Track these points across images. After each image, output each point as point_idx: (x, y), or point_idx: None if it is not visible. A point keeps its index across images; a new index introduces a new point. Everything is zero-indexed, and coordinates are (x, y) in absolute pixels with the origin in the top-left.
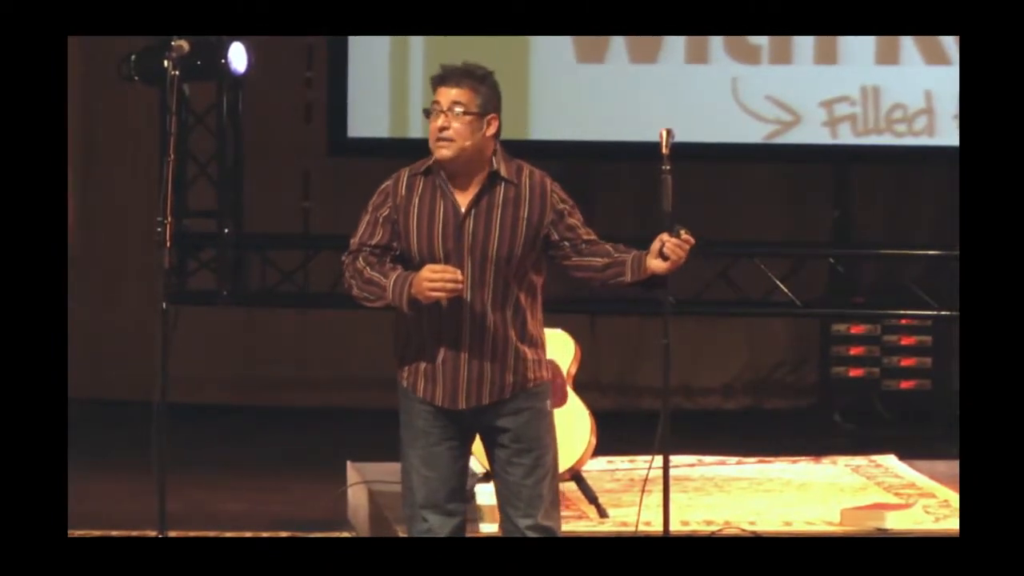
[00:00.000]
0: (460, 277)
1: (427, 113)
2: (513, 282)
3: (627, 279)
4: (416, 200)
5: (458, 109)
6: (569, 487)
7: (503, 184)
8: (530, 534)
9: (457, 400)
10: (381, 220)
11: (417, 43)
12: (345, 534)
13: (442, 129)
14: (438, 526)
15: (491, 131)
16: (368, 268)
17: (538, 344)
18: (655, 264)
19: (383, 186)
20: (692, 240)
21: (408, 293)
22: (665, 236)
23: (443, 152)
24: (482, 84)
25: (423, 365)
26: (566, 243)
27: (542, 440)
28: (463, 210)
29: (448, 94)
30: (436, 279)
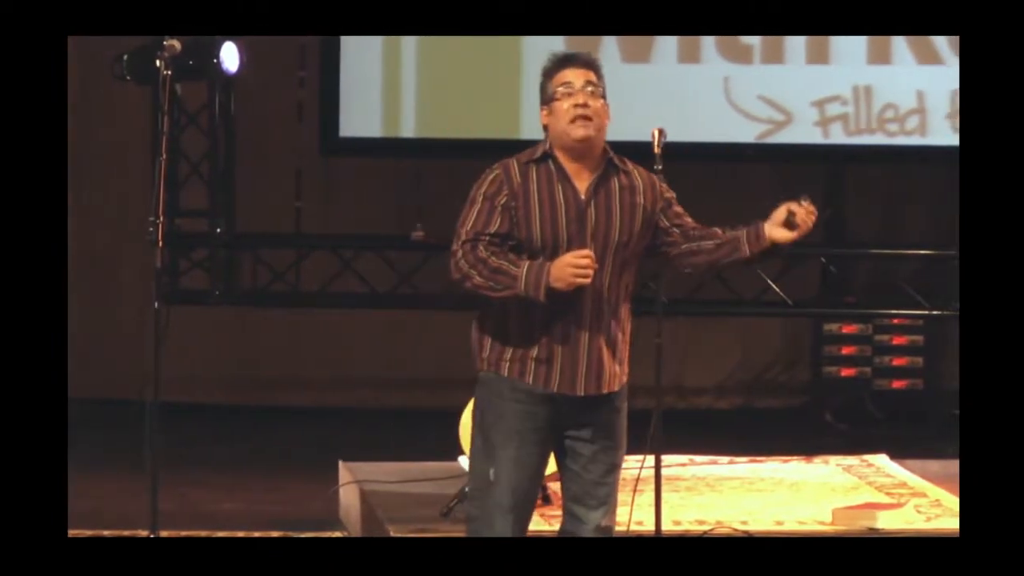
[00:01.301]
0: (595, 263)
1: (553, 97)
2: (626, 269)
3: (745, 254)
4: (534, 188)
5: (590, 88)
6: (560, 487)
7: (617, 171)
8: (596, 533)
9: (576, 386)
10: (499, 208)
11: (409, 43)
12: (337, 534)
13: (583, 105)
14: (509, 526)
15: (609, 118)
16: (493, 257)
17: (628, 339)
18: (780, 234)
19: (492, 175)
20: (815, 210)
21: (546, 281)
22: (794, 206)
23: (584, 131)
24: (601, 70)
25: (537, 351)
26: (676, 229)
27: (623, 440)
28: (583, 196)
29: (580, 74)
30: (582, 264)
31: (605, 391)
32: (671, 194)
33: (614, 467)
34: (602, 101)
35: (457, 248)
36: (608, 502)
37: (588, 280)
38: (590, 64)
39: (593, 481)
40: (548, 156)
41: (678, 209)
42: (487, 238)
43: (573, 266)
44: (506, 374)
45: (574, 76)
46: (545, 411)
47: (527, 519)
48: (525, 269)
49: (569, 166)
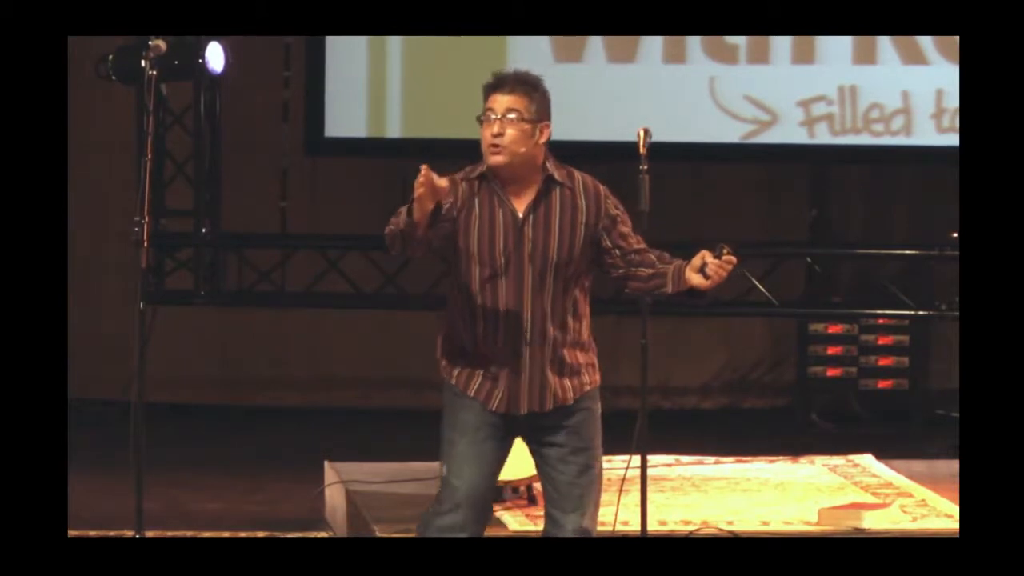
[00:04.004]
0: (424, 171)
1: (480, 120)
2: (571, 286)
3: (668, 291)
4: (476, 205)
5: (512, 116)
6: None
7: (559, 188)
8: (575, 535)
9: (519, 405)
10: (442, 204)
11: (395, 43)
12: (322, 534)
13: (496, 136)
14: (470, 523)
15: (543, 138)
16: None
17: (590, 347)
18: (695, 279)
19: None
20: (734, 260)
21: (409, 200)
22: (708, 256)
23: (497, 159)
24: (535, 91)
25: (479, 369)
26: (617, 251)
27: (594, 441)
28: (521, 216)
29: (502, 101)
30: (419, 178)
31: (550, 407)
32: (618, 211)
33: (586, 468)
34: (523, 126)
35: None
36: (583, 505)
37: (422, 190)
38: (516, 89)
39: (566, 483)
40: (484, 176)
41: (623, 229)
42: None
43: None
44: (454, 383)
45: (497, 103)
46: (499, 419)
47: (483, 515)
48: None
49: (505, 187)
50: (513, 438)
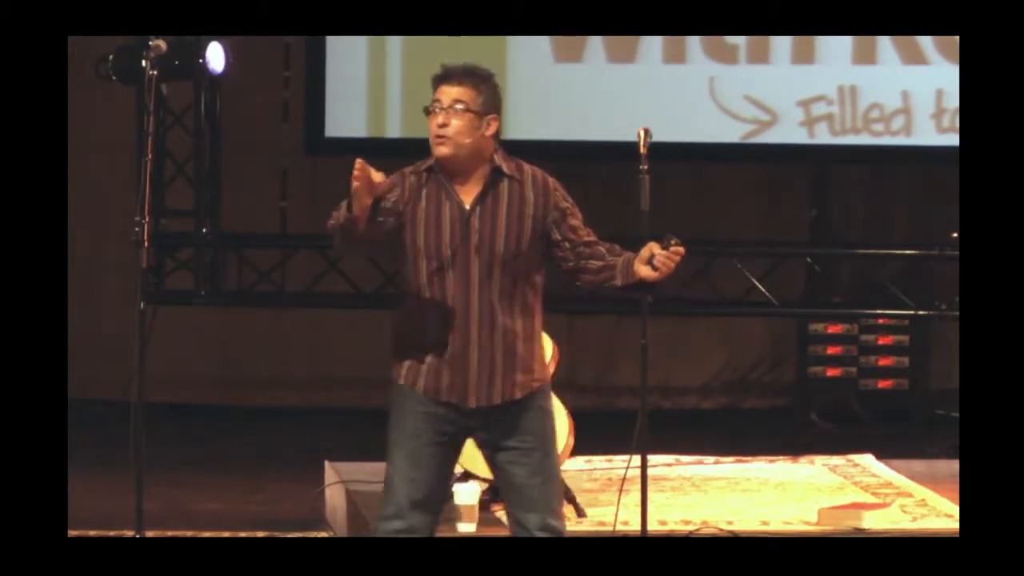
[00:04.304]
0: (360, 165)
1: (427, 111)
2: (520, 279)
3: (617, 284)
4: (423, 199)
5: (459, 107)
6: None
7: (507, 181)
8: (539, 534)
9: (467, 398)
10: (388, 202)
11: (395, 43)
12: (323, 534)
13: (441, 126)
14: (417, 526)
15: (491, 131)
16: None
17: (541, 343)
18: (643, 271)
19: (389, 179)
20: (682, 250)
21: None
22: (655, 247)
23: (442, 150)
24: (484, 84)
25: (428, 361)
26: (566, 244)
27: (546, 439)
28: (468, 208)
29: (449, 92)
30: (354, 171)
31: (499, 401)
32: (567, 204)
33: (540, 468)
34: (469, 117)
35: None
36: (541, 505)
37: (358, 184)
38: (464, 80)
39: (521, 484)
40: (432, 169)
41: (573, 222)
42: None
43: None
44: (403, 381)
45: (444, 94)
46: (445, 415)
47: (431, 518)
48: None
49: (452, 179)
50: (463, 439)
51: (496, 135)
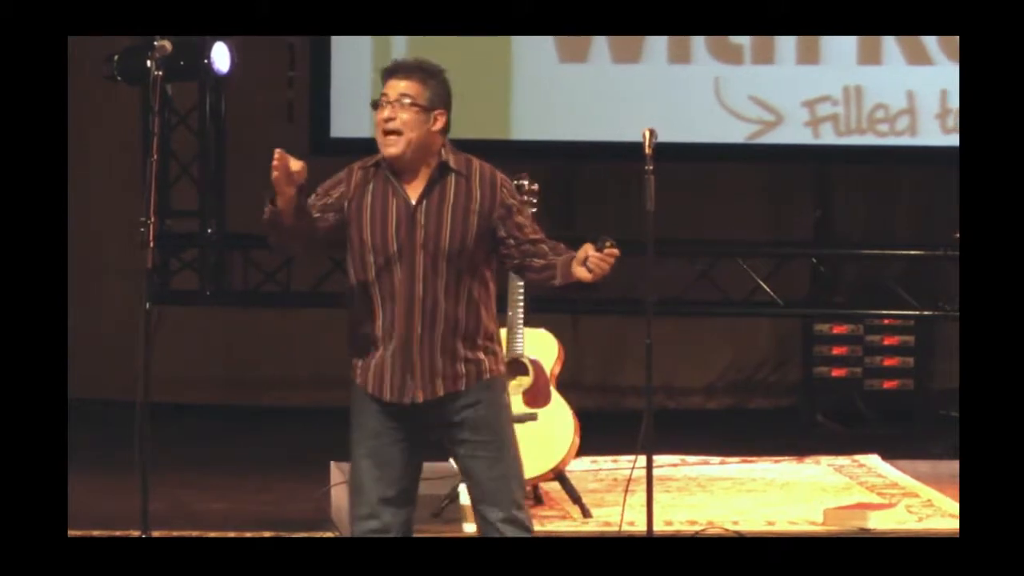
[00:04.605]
0: (286, 161)
1: (375, 105)
2: (466, 274)
3: (556, 283)
4: (369, 194)
5: (406, 100)
6: (552, 487)
7: (453, 176)
8: (505, 528)
9: (406, 393)
10: (330, 198)
11: (400, 43)
12: (328, 534)
13: (388, 120)
14: (391, 522)
15: (438, 126)
16: None
17: (493, 337)
18: (579, 272)
19: (338, 175)
20: (616, 253)
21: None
22: (590, 248)
23: (389, 149)
24: (431, 78)
25: (374, 360)
26: (511, 241)
27: (501, 431)
28: (413, 203)
29: (396, 86)
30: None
31: (441, 393)
32: (514, 201)
33: (497, 461)
34: (415, 110)
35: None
36: (502, 498)
37: (277, 172)
38: (412, 75)
39: (481, 478)
40: (379, 164)
41: (519, 219)
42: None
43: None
44: (358, 381)
45: (391, 87)
46: (399, 412)
47: (404, 515)
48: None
49: (399, 174)
50: (423, 433)
51: (444, 130)
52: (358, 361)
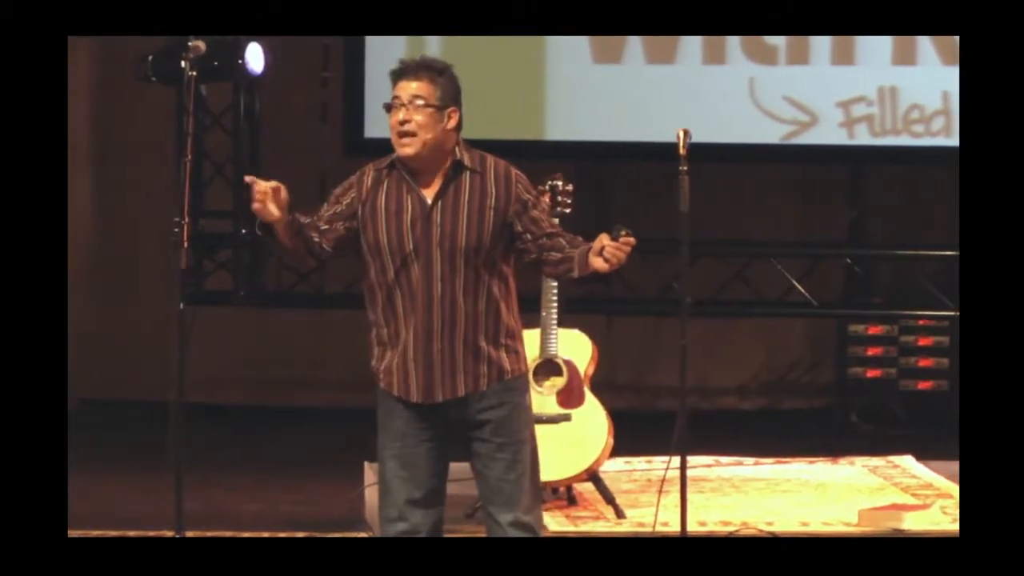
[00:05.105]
0: (260, 187)
1: (387, 108)
2: (484, 272)
3: (575, 275)
4: (383, 195)
5: (419, 102)
6: (586, 488)
7: (468, 173)
8: (512, 531)
9: (433, 393)
10: (342, 205)
11: (433, 43)
12: (362, 534)
13: (403, 123)
14: (420, 524)
15: (451, 124)
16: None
17: (514, 335)
18: (596, 263)
19: (350, 179)
20: (632, 241)
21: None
22: (605, 238)
23: (405, 150)
24: (440, 76)
25: (396, 361)
26: (528, 236)
27: (521, 434)
28: (429, 202)
29: (407, 87)
30: (255, 192)
31: (463, 393)
32: (530, 196)
33: (514, 464)
34: (429, 111)
35: None
36: (516, 500)
37: (260, 205)
38: (421, 75)
39: (496, 479)
40: (394, 164)
41: (535, 214)
42: (316, 223)
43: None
44: (382, 384)
45: (402, 89)
46: (424, 413)
47: (434, 516)
48: None
49: (414, 175)
50: (448, 433)
51: (458, 127)
52: (380, 364)
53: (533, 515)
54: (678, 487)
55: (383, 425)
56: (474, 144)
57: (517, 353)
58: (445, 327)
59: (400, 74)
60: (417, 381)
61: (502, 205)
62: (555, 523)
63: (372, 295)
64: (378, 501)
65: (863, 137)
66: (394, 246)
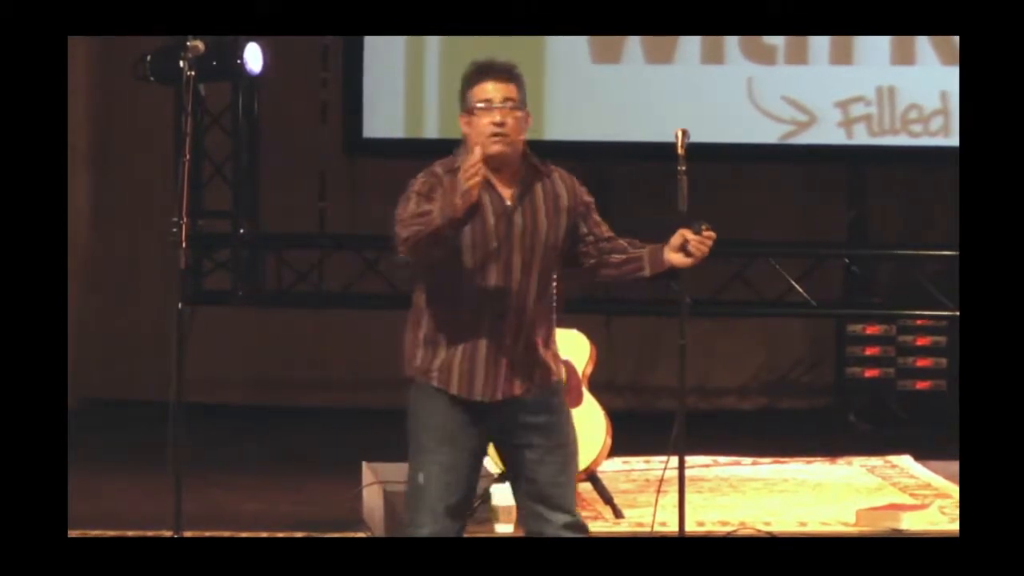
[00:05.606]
0: (477, 157)
1: (472, 110)
2: (549, 273)
3: (647, 273)
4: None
5: (510, 104)
6: (584, 487)
7: (540, 175)
8: (566, 533)
9: (496, 391)
10: (424, 198)
11: (432, 43)
12: (360, 534)
13: (500, 124)
14: (447, 530)
15: (529, 125)
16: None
17: (555, 340)
18: (676, 259)
19: (423, 178)
20: (713, 235)
21: (451, 198)
22: (688, 233)
23: (500, 148)
24: (521, 79)
25: (460, 359)
26: (591, 237)
27: (569, 437)
28: (509, 203)
29: (499, 89)
30: (467, 165)
31: (519, 393)
32: (590, 199)
33: (565, 466)
34: (520, 113)
35: (398, 230)
36: (568, 503)
37: (478, 178)
38: (510, 76)
39: (547, 482)
40: None
41: (596, 217)
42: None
43: (461, 172)
44: (435, 383)
45: (494, 91)
46: (477, 418)
47: (463, 520)
48: (438, 201)
49: (491, 174)
50: (487, 440)
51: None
52: (433, 362)
53: (579, 514)
54: (676, 487)
55: (427, 425)
56: None
57: (558, 357)
58: (516, 326)
59: (485, 75)
60: (484, 379)
61: (571, 206)
62: None
63: (436, 292)
64: (406, 501)
65: (861, 137)
66: (477, 244)
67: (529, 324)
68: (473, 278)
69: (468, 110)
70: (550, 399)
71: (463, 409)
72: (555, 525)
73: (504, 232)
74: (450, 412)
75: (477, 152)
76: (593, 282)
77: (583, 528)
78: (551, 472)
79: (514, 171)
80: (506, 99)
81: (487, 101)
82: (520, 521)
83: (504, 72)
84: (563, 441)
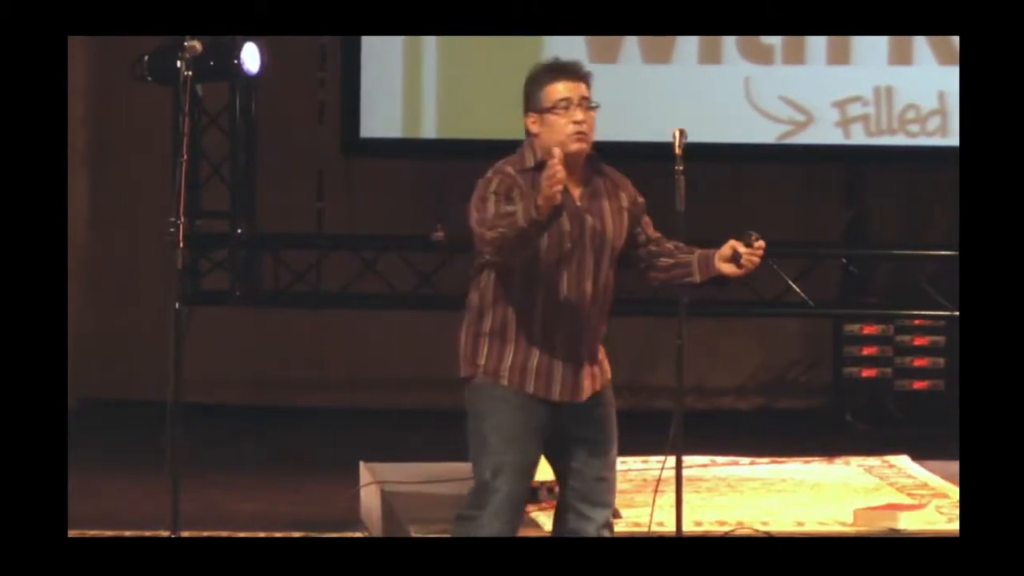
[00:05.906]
0: (559, 158)
1: (546, 110)
2: (611, 273)
3: (696, 280)
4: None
5: (587, 103)
6: None
7: (603, 176)
8: (605, 532)
9: (578, 392)
10: (503, 198)
11: (430, 43)
12: (358, 534)
13: (581, 122)
14: (514, 529)
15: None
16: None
17: None
18: (727, 268)
19: (498, 177)
20: (763, 245)
21: (535, 200)
22: (739, 246)
23: (581, 146)
24: (590, 78)
25: (537, 359)
26: (643, 238)
27: (616, 435)
28: (578, 202)
29: (578, 88)
30: (549, 172)
31: (590, 393)
32: (643, 199)
33: (611, 465)
34: (593, 113)
35: (482, 232)
36: (609, 498)
37: (560, 184)
38: (583, 76)
39: (594, 478)
40: (541, 165)
41: (647, 218)
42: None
43: (544, 180)
44: (506, 383)
45: (570, 91)
46: (545, 417)
47: (521, 518)
48: (519, 203)
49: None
50: (551, 439)
51: None
52: (502, 362)
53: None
54: (674, 487)
55: (494, 425)
56: (474, 144)
57: (606, 358)
58: (587, 326)
59: (558, 75)
60: (563, 379)
61: (631, 206)
62: (551, 522)
63: (507, 292)
64: (470, 499)
65: (859, 137)
66: (553, 243)
67: (595, 323)
68: (547, 279)
69: (541, 110)
70: (607, 396)
71: (534, 410)
72: (596, 524)
73: (577, 233)
74: (519, 413)
75: (557, 152)
76: (641, 285)
77: (612, 528)
78: (600, 467)
79: (579, 172)
80: (584, 98)
81: (566, 100)
82: (556, 520)
83: (576, 71)
84: (613, 437)
